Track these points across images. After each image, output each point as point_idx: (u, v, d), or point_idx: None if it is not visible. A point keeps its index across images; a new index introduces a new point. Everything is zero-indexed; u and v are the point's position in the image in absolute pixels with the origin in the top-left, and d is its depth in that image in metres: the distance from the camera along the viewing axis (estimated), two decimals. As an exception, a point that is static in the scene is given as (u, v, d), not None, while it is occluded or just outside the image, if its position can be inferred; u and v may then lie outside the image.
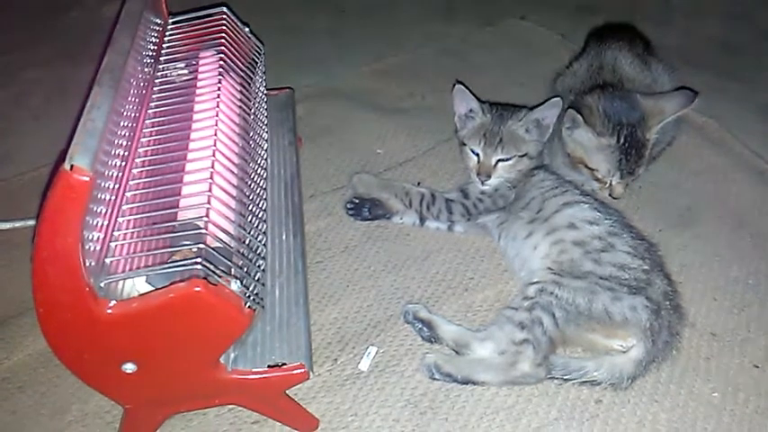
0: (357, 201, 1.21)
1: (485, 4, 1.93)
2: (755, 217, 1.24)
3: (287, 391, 0.87)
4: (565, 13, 1.86)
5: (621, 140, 1.13)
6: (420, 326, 1.01)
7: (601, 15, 1.60)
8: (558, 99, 1.12)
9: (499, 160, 1.14)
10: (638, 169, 1.17)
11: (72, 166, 0.58)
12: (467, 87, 1.17)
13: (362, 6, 1.92)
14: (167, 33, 1.07)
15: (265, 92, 1.15)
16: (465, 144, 1.18)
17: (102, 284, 0.69)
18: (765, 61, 1.70)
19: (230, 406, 0.91)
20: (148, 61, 0.98)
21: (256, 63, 1.15)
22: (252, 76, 1.11)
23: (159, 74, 0.98)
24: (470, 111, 1.18)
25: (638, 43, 1.33)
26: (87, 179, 0.59)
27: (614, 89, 1.19)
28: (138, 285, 0.76)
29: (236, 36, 1.07)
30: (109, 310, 0.69)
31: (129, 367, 0.75)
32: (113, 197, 0.76)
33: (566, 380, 0.95)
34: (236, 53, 1.05)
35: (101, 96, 0.68)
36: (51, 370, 0.97)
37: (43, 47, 1.71)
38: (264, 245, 0.86)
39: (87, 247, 0.67)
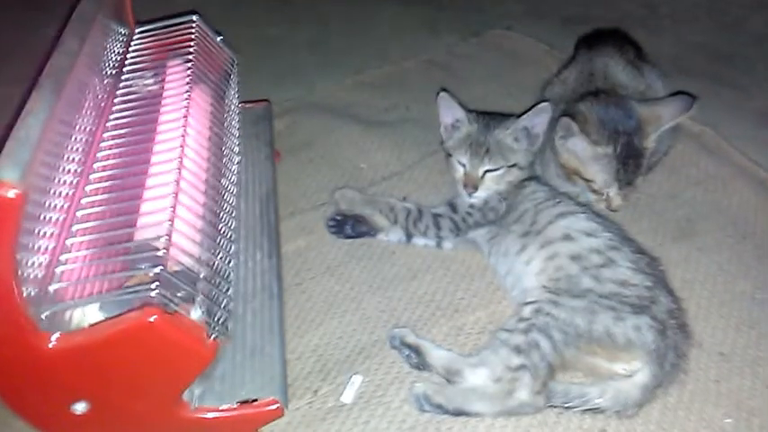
0: (339, 218, 1.14)
1: (470, 15, 1.89)
2: (759, 228, 1.18)
3: (261, 429, 0.79)
4: (551, 24, 1.82)
5: (618, 149, 1.07)
6: (407, 352, 0.93)
7: (588, 26, 1.56)
8: (547, 104, 1.07)
9: (486, 171, 1.08)
10: (637, 179, 1.10)
11: (-2, 181, 0.51)
12: (452, 95, 1.11)
13: (345, 19, 1.87)
14: (133, 43, 1.00)
15: (239, 104, 1.08)
16: (451, 155, 1.11)
17: (44, 315, 0.61)
18: (758, 68, 1.66)
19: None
20: (110, 72, 0.92)
21: (229, 74, 1.09)
22: (224, 87, 1.05)
23: (121, 84, 0.91)
24: (457, 120, 1.12)
25: (629, 49, 1.28)
26: (15, 195, 0.51)
27: (607, 96, 1.13)
28: (88, 315, 0.68)
29: (206, 45, 1.01)
30: (51, 344, 0.61)
31: (80, 408, 0.68)
32: (61, 216, 0.68)
33: (567, 408, 0.87)
34: (207, 63, 0.99)
35: (39, 102, 0.60)
36: (2, 410, 0.88)
37: (14, 64, 1.64)
38: (232, 268, 0.78)
39: (26, 273, 0.60)
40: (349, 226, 1.13)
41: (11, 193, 0.50)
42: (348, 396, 0.90)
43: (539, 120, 1.08)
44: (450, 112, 1.13)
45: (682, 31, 1.81)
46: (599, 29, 1.41)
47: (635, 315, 0.87)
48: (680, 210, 1.22)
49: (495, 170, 1.08)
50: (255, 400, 0.74)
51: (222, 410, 0.73)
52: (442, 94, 1.12)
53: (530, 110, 1.08)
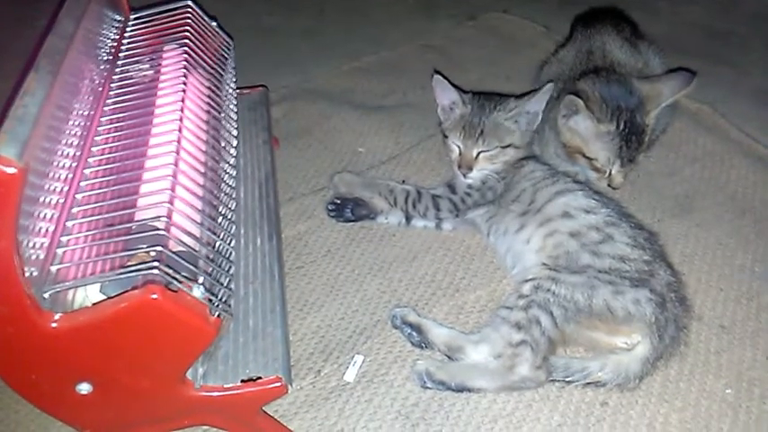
0: (339, 201, 1.14)
1: (466, -1, 1.89)
2: (757, 203, 1.19)
3: (265, 408, 0.80)
4: (547, 6, 1.82)
5: (621, 126, 1.07)
6: (409, 331, 0.94)
7: (584, 8, 1.55)
8: (551, 85, 1.06)
9: (480, 152, 1.08)
10: (638, 156, 1.11)
11: (-3, 157, 0.51)
12: (446, 78, 1.11)
13: (341, 5, 1.86)
14: (127, 30, 1.00)
15: (236, 89, 1.08)
16: (447, 136, 1.11)
17: (46, 295, 0.62)
18: (753, 45, 1.66)
19: (203, 426, 0.83)
20: (105, 58, 0.92)
21: (225, 59, 1.08)
22: (220, 71, 1.05)
23: (118, 70, 0.91)
24: (453, 102, 1.12)
25: (625, 27, 1.28)
26: (16, 171, 0.51)
27: (608, 73, 1.13)
28: (90, 295, 0.68)
29: (202, 30, 1.01)
30: (54, 324, 0.61)
31: (85, 387, 0.68)
32: (60, 199, 0.68)
33: (568, 382, 0.88)
34: (203, 47, 0.99)
35: (36, 82, 0.60)
36: (9, 394, 0.88)
37: (8, 59, 1.63)
38: (233, 247, 0.78)
39: (28, 254, 0.60)
40: (349, 209, 1.13)
41: (11, 170, 0.51)
42: (351, 375, 0.90)
43: (543, 101, 1.08)
44: (445, 95, 1.13)
45: (677, 11, 1.81)
46: (595, 8, 1.41)
47: (634, 288, 0.88)
48: (679, 186, 1.23)
49: (488, 151, 1.08)
50: (259, 378, 0.74)
51: (226, 389, 0.73)
52: (436, 76, 1.12)
53: (530, 92, 1.08)
